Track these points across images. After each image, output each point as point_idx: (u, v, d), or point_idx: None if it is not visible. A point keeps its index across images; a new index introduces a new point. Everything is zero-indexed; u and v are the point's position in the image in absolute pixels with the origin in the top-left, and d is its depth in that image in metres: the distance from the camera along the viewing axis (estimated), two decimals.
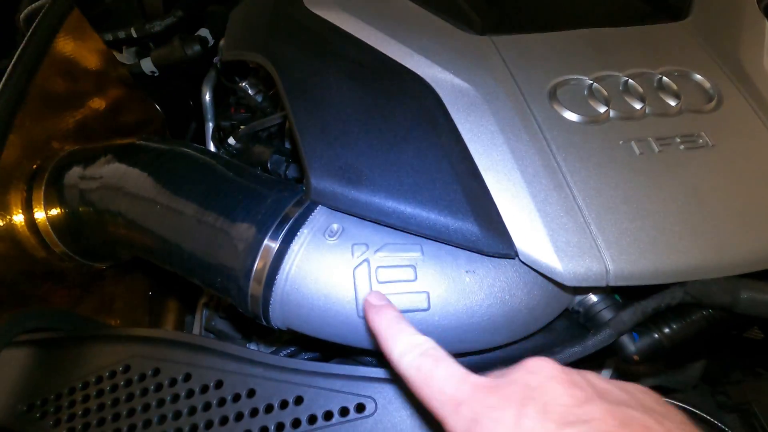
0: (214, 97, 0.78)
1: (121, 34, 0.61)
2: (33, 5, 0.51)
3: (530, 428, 0.21)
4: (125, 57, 0.68)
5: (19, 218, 0.43)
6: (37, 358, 0.40)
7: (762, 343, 0.52)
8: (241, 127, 0.58)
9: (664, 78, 0.46)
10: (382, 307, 0.31)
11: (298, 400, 0.35)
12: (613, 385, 0.25)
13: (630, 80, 0.46)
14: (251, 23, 0.53)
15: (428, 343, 0.28)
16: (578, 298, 0.42)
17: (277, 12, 0.53)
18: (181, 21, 0.64)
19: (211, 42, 0.65)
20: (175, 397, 0.36)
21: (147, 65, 0.63)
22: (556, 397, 0.23)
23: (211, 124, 0.77)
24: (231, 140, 0.58)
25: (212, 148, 0.75)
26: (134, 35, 0.62)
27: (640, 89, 0.45)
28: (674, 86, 0.45)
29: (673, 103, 0.44)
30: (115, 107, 0.59)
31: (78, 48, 0.52)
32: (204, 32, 0.65)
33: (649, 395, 0.25)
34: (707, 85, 0.46)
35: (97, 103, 0.55)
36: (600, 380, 0.25)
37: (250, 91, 0.69)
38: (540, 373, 0.25)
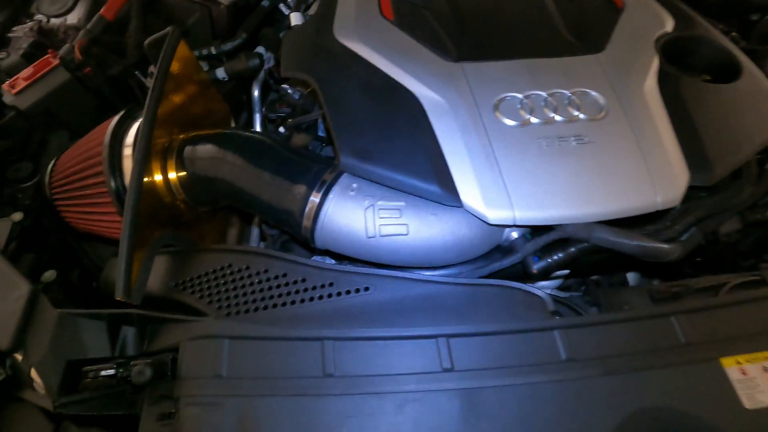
0: (261, 93, 1.03)
1: (204, 52, 0.86)
2: (154, 36, 0.75)
3: None
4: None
5: (158, 177, 0.69)
6: (173, 260, 0.67)
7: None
8: (288, 120, 0.82)
9: (573, 96, 0.69)
10: None
11: (331, 284, 0.61)
12: None
13: (549, 97, 0.69)
14: (298, 51, 0.78)
15: None
16: (506, 235, 0.67)
17: (316, 42, 0.77)
18: (245, 41, 0.88)
19: (266, 56, 0.89)
20: (259, 281, 0.62)
21: (220, 73, 0.88)
22: None
23: (258, 115, 1.01)
24: (281, 129, 0.83)
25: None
26: (213, 52, 0.86)
27: (555, 104, 0.68)
28: (578, 102, 0.69)
29: (575, 113, 0.68)
30: (201, 102, 0.83)
31: (181, 62, 0.76)
32: (260, 49, 0.90)
33: None
34: (601, 101, 0.69)
35: (193, 100, 0.80)
36: None
37: (290, 92, 0.94)
38: None
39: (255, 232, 0.85)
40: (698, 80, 0.73)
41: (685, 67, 0.77)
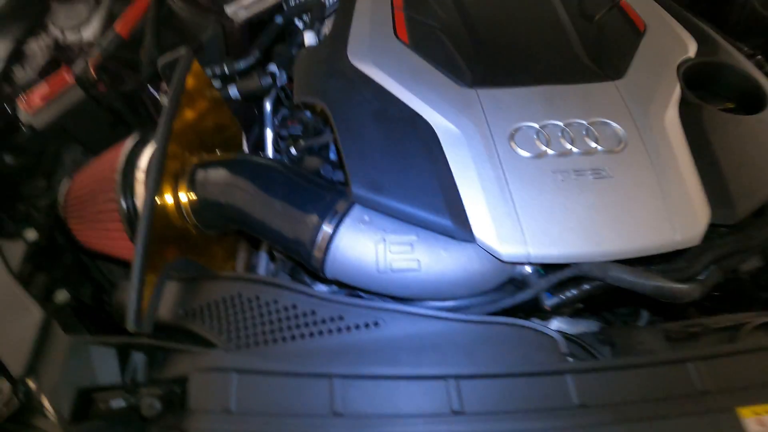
0: (273, 109, 1.02)
1: (217, 70, 0.86)
2: (167, 59, 0.75)
3: None
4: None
5: (169, 200, 0.68)
6: (183, 287, 0.67)
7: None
8: (300, 141, 0.82)
9: (590, 126, 0.68)
10: None
11: (341, 318, 0.60)
12: None
13: (566, 127, 0.68)
14: (311, 74, 0.77)
15: None
16: (518, 269, 0.65)
17: (329, 65, 0.77)
18: (258, 59, 0.88)
19: (278, 74, 0.89)
20: (268, 312, 0.62)
21: (233, 91, 0.88)
22: None
23: (269, 131, 1.01)
24: (292, 150, 0.83)
25: (271, 149, 0.99)
26: (226, 71, 0.86)
27: (572, 134, 0.67)
28: (596, 133, 0.67)
29: (593, 145, 0.66)
30: (213, 119, 0.83)
31: (193, 81, 0.76)
32: (272, 67, 0.89)
33: None
34: (620, 132, 0.68)
35: (205, 119, 0.80)
36: None
37: (302, 109, 0.93)
38: None
39: (263, 255, 0.85)
40: (721, 110, 0.71)
41: (707, 95, 0.75)
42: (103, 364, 0.63)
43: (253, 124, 1.04)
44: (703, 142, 0.67)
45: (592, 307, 0.75)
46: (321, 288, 0.75)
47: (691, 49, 0.78)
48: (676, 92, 0.72)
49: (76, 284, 0.84)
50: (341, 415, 0.54)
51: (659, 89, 0.72)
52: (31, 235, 0.78)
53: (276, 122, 1.01)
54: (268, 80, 0.85)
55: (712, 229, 0.62)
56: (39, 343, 0.61)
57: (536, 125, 0.68)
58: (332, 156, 0.82)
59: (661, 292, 0.59)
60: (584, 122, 0.68)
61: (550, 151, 0.66)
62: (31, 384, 0.60)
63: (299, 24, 1.02)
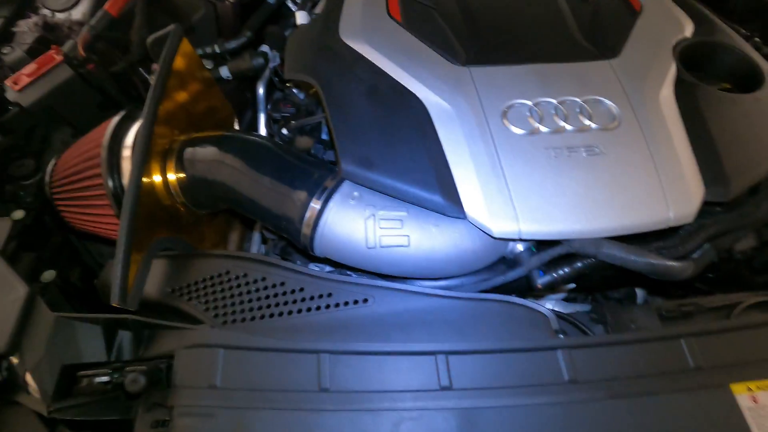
0: (266, 92, 1.01)
1: (208, 50, 0.85)
2: (156, 34, 0.74)
3: None
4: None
5: (157, 178, 0.67)
6: (171, 265, 0.66)
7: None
8: (292, 122, 0.81)
9: (584, 104, 0.67)
10: None
11: (330, 295, 0.60)
12: None
13: (559, 105, 0.67)
14: (302, 52, 0.76)
15: None
16: (510, 247, 0.65)
17: (321, 43, 0.76)
18: (250, 40, 0.87)
19: (271, 55, 0.88)
20: (256, 289, 0.61)
21: (224, 72, 0.86)
22: None
23: (263, 114, 1.00)
24: (284, 131, 0.82)
25: (264, 132, 0.98)
26: (217, 51, 0.85)
27: (565, 112, 0.66)
28: (590, 110, 0.66)
29: (586, 122, 0.65)
30: (204, 100, 0.82)
31: (184, 60, 0.75)
32: (265, 48, 0.88)
33: None
34: (614, 110, 0.67)
35: (195, 99, 0.79)
36: None
37: (294, 91, 0.92)
38: None
39: (257, 236, 0.84)
40: (717, 89, 0.70)
41: (703, 75, 0.74)
42: (89, 342, 0.62)
43: (246, 108, 1.03)
44: (698, 121, 0.66)
45: (585, 288, 0.74)
46: (313, 268, 0.74)
47: (688, 29, 0.77)
48: (672, 71, 0.71)
49: (65, 266, 0.83)
50: (328, 391, 0.53)
51: (654, 68, 0.71)
52: (19, 215, 0.77)
53: (269, 106, 1.00)
54: (260, 60, 0.84)
55: (706, 207, 0.61)
56: (23, 320, 0.60)
57: (529, 102, 0.67)
58: (324, 136, 0.81)
59: (654, 269, 0.58)
60: (578, 100, 0.67)
61: (543, 128, 0.65)
62: (14, 360, 0.59)
63: (291, 5, 1.01)
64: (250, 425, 0.52)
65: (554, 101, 0.67)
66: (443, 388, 0.53)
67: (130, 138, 0.68)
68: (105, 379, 0.57)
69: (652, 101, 0.67)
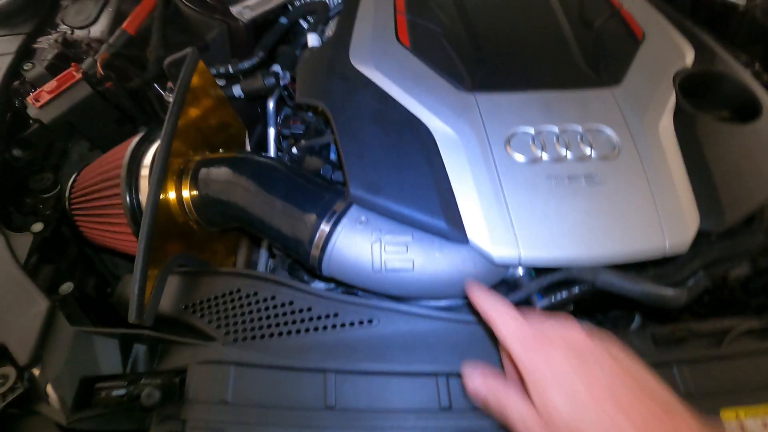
0: (275, 108, 1.04)
1: (222, 69, 0.88)
2: (173, 57, 0.77)
3: (562, 356, 0.41)
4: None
5: (172, 195, 0.70)
6: (184, 282, 0.69)
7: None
8: (302, 141, 0.83)
9: (585, 133, 0.69)
10: (477, 289, 0.52)
11: (336, 315, 0.62)
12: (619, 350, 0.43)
13: (561, 133, 0.69)
14: (313, 76, 0.79)
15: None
16: (510, 272, 0.67)
17: (331, 68, 0.78)
18: (262, 60, 0.89)
19: (282, 74, 0.90)
20: (266, 308, 0.64)
21: (236, 90, 0.89)
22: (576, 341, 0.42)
23: (272, 129, 1.03)
24: (294, 150, 0.84)
25: (273, 148, 1.01)
26: (231, 70, 0.88)
27: (567, 140, 0.68)
28: (590, 139, 0.68)
29: (587, 151, 0.67)
30: (216, 118, 0.85)
31: (198, 79, 0.77)
32: (276, 67, 0.91)
33: (612, 344, 0.43)
34: (615, 139, 0.69)
35: (209, 117, 0.82)
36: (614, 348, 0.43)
37: (304, 109, 0.95)
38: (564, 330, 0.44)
39: (263, 252, 0.87)
40: (716, 119, 0.72)
41: (703, 103, 0.76)
42: (106, 355, 0.65)
43: (256, 123, 1.06)
44: (695, 151, 0.68)
45: (583, 309, 0.76)
46: (319, 285, 0.77)
47: (688, 57, 0.79)
48: (672, 100, 0.73)
49: (80, 277, 0.86)
50: (334, 409, 0.56)
51: (655, 97, 0.73)
52: (38, 227, 0.80)
53: (279, 121, 1.03)
54: (272, 80, 0.87)
55: (702, 236, 0.63)
56: (44, 333, 0.63)
57: (532, 130, 0.69)
58: (332, 156, 0.84)
59: (649, 297, 0.60)
60: (579, 128, 0.69)
61: (545, 157, 0.67)
62: (36, 372, 0.62)
63: (304, 25, 1.03)
64: None
65: (556, 129, 0.69)
66: (443, 409, 0.55)
67: (148, 158, 0.71)
68: (122, 392, 0.60)
69: (651, 131, 0.69)
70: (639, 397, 0.39)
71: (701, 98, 0.77)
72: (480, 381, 0.48)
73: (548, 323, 0.46)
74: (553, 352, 0.42)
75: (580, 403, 0.38)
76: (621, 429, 0.36)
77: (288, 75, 0.93)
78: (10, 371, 0.61)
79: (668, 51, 0.80)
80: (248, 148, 0.95)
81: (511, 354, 0.45)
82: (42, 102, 0.84)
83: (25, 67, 0.93)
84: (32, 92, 0.88)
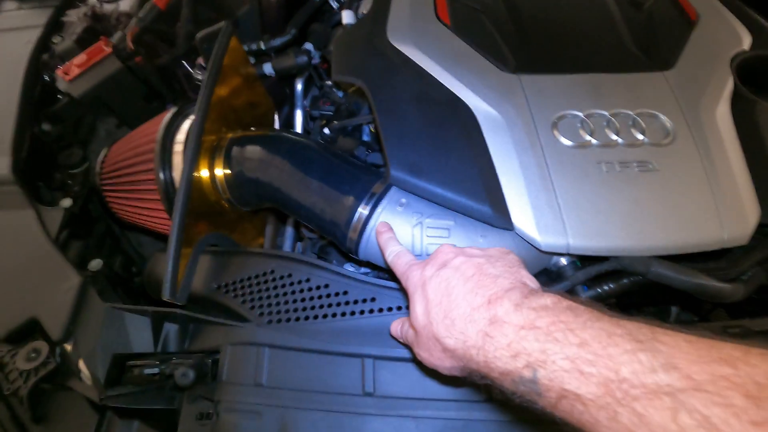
0: (304, 88, 1.02)
1: (254, 46, 0.85)
2: (206, 31, 0.74)
3: (428, 272, 0.45)
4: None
5: (205, 174, 0.69)
6: (216, 261, 0.68)
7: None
8: (334, 122, 0.81)
9: (637, 117, 0.65)
10: (384, 232, 0.58)
11: (373, 299, 0.60)
12: (479, 250, 0.47)
13: (612, 118, 0.65)
14: (350, 53, 0.76)
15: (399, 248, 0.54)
16: (554, 260, 0.64)
17: (369, 44, 0.75)
18: (294, 37, 0.87)
19: (313, 54, 0.88)
20: (301, 290, 0.62)
21: (267, 68, 0.87)
22: (441, 257, 0.47)
23: (300, 111, 1.00)
24: (326, 130, 0.82)
25: (300, 128, 0.99)
26: (262, 47, 0.85)
27: (617, 125, 0.65)
28: (643, 124, 0.65)
29: (639, 137, 0.64)
30: (246, 95, 0.83)
31: (231, 56, 0.75)
32: (308, 45, 0.88)
33: (500, 251, 0.47)
34: (668, 125, 0.65)
35: (239, 94, 0.79)
36: (473, 249, 0.48)
37: (334, 89, 0.92)
38: (439, 250, 0.48)
39: (290, 230, 0.85)
40: None
41: (762, 90, 0.71)
42: (137, 333, 0.64)
43: (284, 103, 1.03)
44: (755, 139, 0.64)
45: (623, 303, 0.74)
46: (350, 268, 0.75)
47: (746, 41, 0.75)
48: (729, 86, 0.69)
49: (108, 254, 0.85)
50: (373, 395, 0.54)
51: (711, 82, 0.69)
52: (67, 203, 0.79)
53: (306, 102, 1.00)
54: (304, 59, 0.84)
55: (761, 229, 0.60)
56: (77, 309, 0.62)
57: (581, 114, 0.66)
58: (365, 137, 0.81)
59: (704, 290, 0.57)
60: (631, 113, 0.66)
61: (594, 141, 0.64)
62: (68, 347, 0.61)
63: (335, 4, 1.00)
64: (295, 425, 0.53)
65: (607, 113, 0.66)
66: (486, 401, 0.53)
67: (181, 133, 0.70)
68: (154, 371, 0.58)
69: (708, 117, 0.66)
70: (471, 280, 0.43)
71: (760, 84, 0.72)
72: (393, 326, 0.54)
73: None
74: (424, 272, 0.46)
75: (430, 304, 0.44)
76: (447, 312, 0.42)
77: (318, 55, 0.91)
78: (43, 346, 0.60)
79: (724, 34, 0.76)
80: (277, 127, 0.92)
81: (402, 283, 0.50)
82: (72, 75, 0.83)
83: (54, 41, 0.92)
84: (61, 66, 0.87)
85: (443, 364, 0.44)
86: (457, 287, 0.43)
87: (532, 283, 0.45)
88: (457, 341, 0.41)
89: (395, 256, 0.53)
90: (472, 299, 0.41)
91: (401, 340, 0.52)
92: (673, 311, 0.79)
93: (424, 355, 0.46)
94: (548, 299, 0.39)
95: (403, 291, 0.61)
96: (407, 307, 0.60)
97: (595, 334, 0.34)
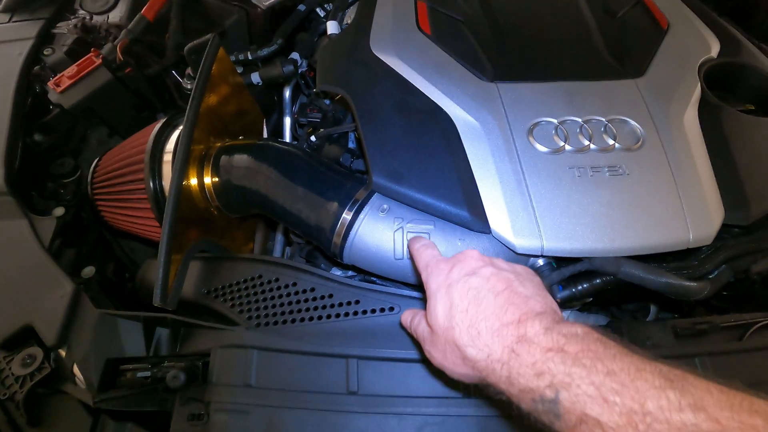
0: (291, 96, 1.04)
1: (241, 56, 0.88)
2: (194, 43, 0.77)
3: (455, 275, 0.45)
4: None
5: (194, 182, 0.71)
6: (206, 267, 0.70)
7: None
8: (321, 129, 0.83)
9: (609, 124, 0.68)
10: (418, 239, 0.56)
11: (357, 302, 0.63)
12: (506, 264, 0.47)
13: (584, 124, 0.68)
14: (334, 64, 0.78)
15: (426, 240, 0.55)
16: (531, 261, 0.67)
17: (352, 54, 0.78)
18: (281, 47, 0.89)
19: (300, 62, 0.90)
20: (287, 294, 0.65)
21: (255, 78, 0.89)
22: (470, 263, 0.46)
23: (288, 118, 1.03)
24: (312, 138, 0.84)
25: (289, 135, 1.01)
26: (249, 57, 0.88)
27: (590, 131, 0.68)
28: (614, 130, 0.68)
29: (610, 142, 0.67)
30: (235, 104, 0.85)
31: (218, 66, 0.77)
32: (295, 55, 0.91)
33: (526, 271, 0.47)
34: (638, 131, 0.68)
35: (228, 104, 0.82)
36: (501, 262, 0.47)
37: (320, 97, 0.94)
38: (467, 254, 0.48)
39: (279, 237, 0.87)
40: (741, 111, 0.71)
41: (728, 96, 0.75)
42: (130, 338, 0.66)
43: (272, 111, 1.06)
44: (720, 143, 0.67)
45: (600, 301, 0.77)
46: (336, 272, 0.77)
47: (714, 48, 0.78)
48: (697, 92, 0.72)
49: (100, 261, 0.87)
50: (356, 394, 0.56)
51: (679, 88, 0.72)
52: (59, 212, 0.81)
53: (295, 109, 1.03)
54: (290, 68, 0.87)
55: (725, 229, 0.63)
56: (70, 315, 0.64)
57: (555, 121, 0.69)
58: (351, 145, 0.84)
59: (671, 289, 0.60)
60: (603, 119, 0.69)
61: (567, 147, 0.66)
62: (62, 353, 0.63)
63: (321, 13, 1.03)
64: (283, 424, 0.56)
65: (580, 120, 0.69)
66: (465, 396, 0.56)
67: (170, 143, 0.72)
68: (146, 374, 0.61)
69: (676, 122, 0.69)
70: (502, 295, 0.42)
71: (727, 90, 0.76)
72: (404, 315, 0.53)
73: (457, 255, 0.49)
74: (450, 274, 0.46)
75: (454, 308, 0.43)
76: (474, 322, 0.41)
77: (305, 63, 0.93)
78: (38, 352, 0.62)
79: (693, 41, 0.79)
80: (265, 135, 0.95)
81: (423, 281, 0.49)
82: (63, 87, 0.85)
83: (45, 52, 0.93)
84: (52, 77, 0.89)
85: (457, 369, 0.43)
86: (487, 299, 0.42)
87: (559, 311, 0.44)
88: (480, 352, 0.40)
89: (422, 245, 0.53)
90: (503, 315, 0.41)
91: (409, 332, 0.52)
92: (652, 310, 0.82)
93: (437, 355, 0.45)
94: (579, 329, 0.38)
95: (388, 294, 0.64)
96: (390, 309, 0.62)
97: (624, 367, 0.33)
